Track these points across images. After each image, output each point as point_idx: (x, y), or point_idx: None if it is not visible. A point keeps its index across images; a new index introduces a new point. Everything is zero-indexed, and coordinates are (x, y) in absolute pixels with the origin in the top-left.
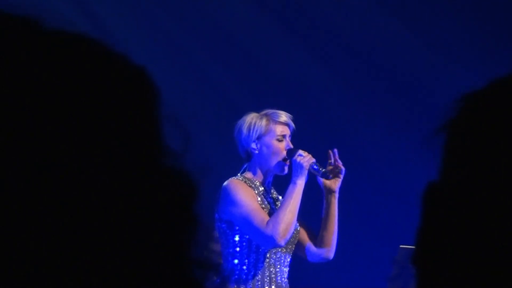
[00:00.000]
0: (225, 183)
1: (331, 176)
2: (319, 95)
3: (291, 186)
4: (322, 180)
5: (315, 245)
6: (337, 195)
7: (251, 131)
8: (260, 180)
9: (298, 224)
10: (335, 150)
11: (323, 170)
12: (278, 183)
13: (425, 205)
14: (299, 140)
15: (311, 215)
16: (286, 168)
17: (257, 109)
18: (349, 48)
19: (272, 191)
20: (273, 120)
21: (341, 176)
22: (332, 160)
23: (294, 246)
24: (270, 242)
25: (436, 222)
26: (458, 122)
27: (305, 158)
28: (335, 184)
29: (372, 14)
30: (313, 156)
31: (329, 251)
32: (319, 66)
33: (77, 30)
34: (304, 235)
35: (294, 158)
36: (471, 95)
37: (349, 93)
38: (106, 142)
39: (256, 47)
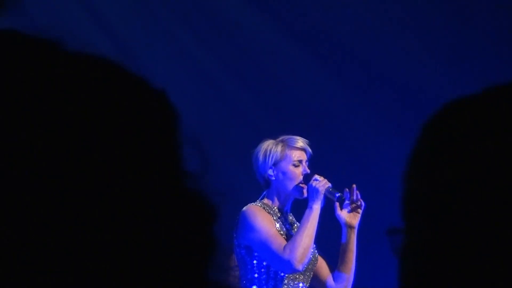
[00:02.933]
0: (243, 209)
1: (346, 201)
2: (344, 122)
3: (307, 211)
4: (342, 215)
5: (334, 279)
6: (356, 230)
7: (267, 157)
8: (279, 206)
9: (316, 250)
10: (354, 186)
11: (339, 194)
12: (295, 207)
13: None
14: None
15: (328, 241)
16: (305, 192)
17: (279, 133)
18: (365, 67)
19: (290, 217)
20: (289, 146)
21: (360, 212)
22: (354, 197)
23: (311, 273)
24: (288, 267)
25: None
26: (409, 176)
27: (320, 183)
28: (355, 219)
29: (390, 34)
30: (329, 180)
31: (347, 286)
32: (349, 96)
33: (98, 53)
34: (322, 270)
35: (310, 183)
36: (417, 149)
37: (357, 101)
38: (126, 166)
39: (280, 71)
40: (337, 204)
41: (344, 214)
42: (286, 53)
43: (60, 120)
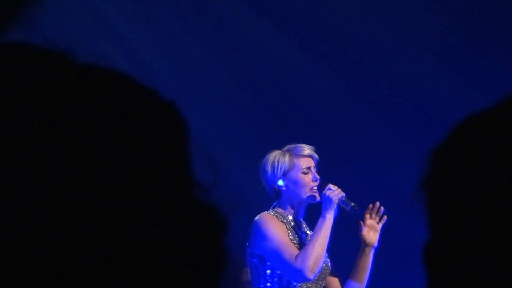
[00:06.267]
0: (256, 218)
1: (359, 210)
2: (352, 128)
3: (320, 220)
4: (365, 235)
5: None
6: (374, 250)
7: (276, 169)
8: (292, 215)
9: (329, 260)
10: (378, 204)
11: (352, 204)
12: (308, 216)
13: (429, 266)
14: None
15: (341, 251)
16: (317, 195)
17: (289, 141)
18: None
19: (304, 225)
20: (296, 154)
21: (379, 228)
22: (372, 215)
23: (324, 282)
24: (300, 276)
25: (444, 281)
26: (433, 179)
27: (334, 192)
28: (375, 238)
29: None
30: (342, 189)
31: None
32: (357, 104)
33: (108, 65)
34: (333, 281)
35: (323, 192)
36: (440, 149)
37: (366, 109)
38: (135, 177)
39: (288, 81)
40: (361, 224)
41: (366, 233)
42: (295, 62)
43: (71, 133)
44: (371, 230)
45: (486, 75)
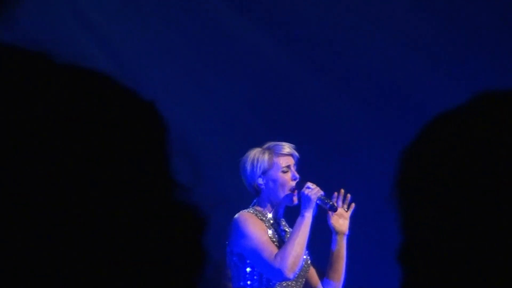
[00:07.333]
0: (236, 216)
1: (338, 209)
2: (335, 126)
3: (299, 218)
4: (333, 223)
5: (323, 286)
6: (346, 238)
7: (255, 167)
8: (271, 212)
9: (308, 257)
10: (343, 191)
11: (331, 203)
12: (288, 214)
13: (403, 265)
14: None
15: (320, 249)
16: (295, 198)
17: (271, 139)
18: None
19: (283, 223)
20: (275, 153)
21: (348, 217)
22: (340, 202)
23: (304, 280)
24: (279, 275)
25: (418, 280)
26: (405, 179)
27: (313, 191)
28: (345, 226)
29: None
30: (321, 188)
31: None
32: (338, 101)
33: (89, 65)
34: (312, 277)
35: (302, 190)
36: (411, 149)
37: (349, 107)
38: (114, 177)
39: (265, 75)
40: (330, 213)
41: (335, 221)
42: (277, 59)
43: (49, 134)
44: (340, 218)
45: (473, 72)
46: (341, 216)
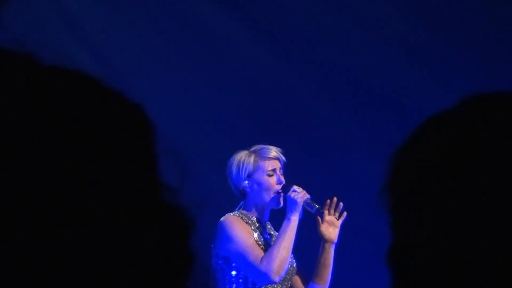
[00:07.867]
0: (221, 219)
1: (324, 213)
2: (323, 130)
3: (285, 222)
4: (323, 231)
5: None
6: (334, 246)
7: (241, 170)
8: (257, 216)
9: (294, 260)
10: (335, 200)
11: (317, 206)
12: (274, 217)
13: (392, 266)
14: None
15: (307, 252)
16: (281, 201)
17: (258, 142)
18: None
19: (269, 226)
20: (261, 156)
21: (339, 225)
22: (330, 211)
23: (289, 282)
24: (265, 279)
25: (407, 282)
26: (395, 181)
27: (299, 194)
28: (334, 235)
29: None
30: (308, 191)
31: None
32: (326, 104)
33: (75, 67)
34: (297, 282)
35: (288, 194)
36: (402, 152)
37: (337, 111)
38: (100, 179)
39: (254, 77)
40: (320, 220)
41: (324, 229)
42: (267, 61)
43: (36, 135)
44: (331, 226)
45: (462, 75)
46: (331, 224)
